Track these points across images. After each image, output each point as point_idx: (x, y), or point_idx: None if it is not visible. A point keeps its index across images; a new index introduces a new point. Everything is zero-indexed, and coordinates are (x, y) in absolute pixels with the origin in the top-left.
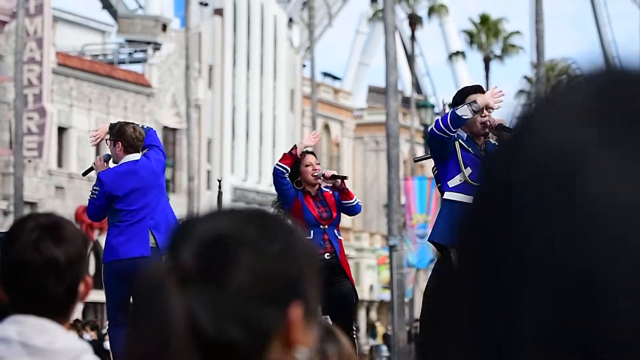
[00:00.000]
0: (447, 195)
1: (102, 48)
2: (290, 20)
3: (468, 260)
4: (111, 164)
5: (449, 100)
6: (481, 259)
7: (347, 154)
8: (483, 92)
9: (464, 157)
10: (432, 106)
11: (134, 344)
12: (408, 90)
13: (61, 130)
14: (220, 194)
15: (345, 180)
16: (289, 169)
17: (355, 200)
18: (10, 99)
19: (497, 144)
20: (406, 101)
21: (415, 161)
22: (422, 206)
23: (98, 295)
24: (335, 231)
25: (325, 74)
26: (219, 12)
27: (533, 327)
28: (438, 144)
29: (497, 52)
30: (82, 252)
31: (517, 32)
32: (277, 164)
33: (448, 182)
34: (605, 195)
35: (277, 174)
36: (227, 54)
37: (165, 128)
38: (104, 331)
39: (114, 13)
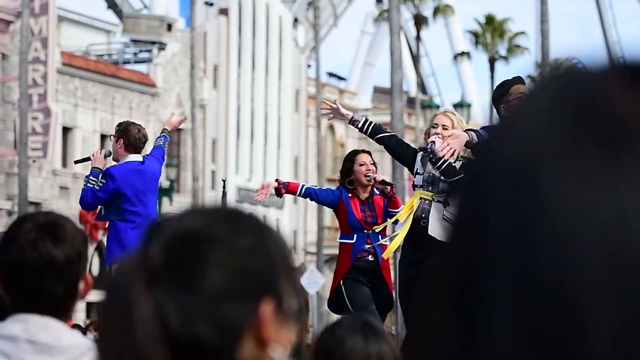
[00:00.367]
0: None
1: (107, 48)
2: (296, 20)
3: (445, 270)
4: (110, 161)
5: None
6: (456, 267)
7: None
8: (524, 83)
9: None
10: (437, 106)
11: (103, 341)
12: (413, 91)
13: (66, 130)
14: (224, 194)
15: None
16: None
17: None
18: (15, 99)
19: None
20: (411, 101)
21: None
22: None
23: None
24: (380, 236)
25: (331, 74)
26: (224, 12)
27: (506, 336)
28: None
29: (503, 52)
30: (82, 251)
31: (523, 33)
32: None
33: None
34: (561, 209)
35: (309, 198)
36: (232, 54)
37: None
38: None
39: (119, 13)
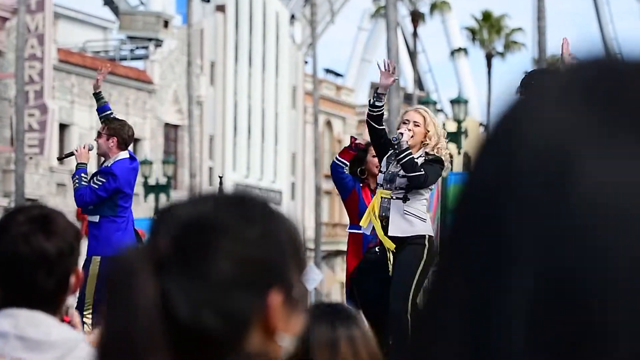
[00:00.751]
0: None
1: (104, 44)
2: (292, 16)
3: (453, 264)
4: (92, 154)
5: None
6: (468, 263)
7: None
8: None
9: None
10: (435, 102)
11: (104, 325)
12: (410, 87)
13: (62, 127)
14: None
15: None
16: (347, 163)
17: None
18: (12, 96)
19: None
20: (408, 98)
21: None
22: None
23: None
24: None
25: (328, 71)
26: (220, 8)
27: (522, 330)
28: None
29: (499, 48)
30: (74, 245)
31: (520, 29)
32: (336, 158)
33: None
34: (594, 196)
35: (336, 169)
36: (229, 50)
37: (166, 125)
38: None
39: (115, 9)
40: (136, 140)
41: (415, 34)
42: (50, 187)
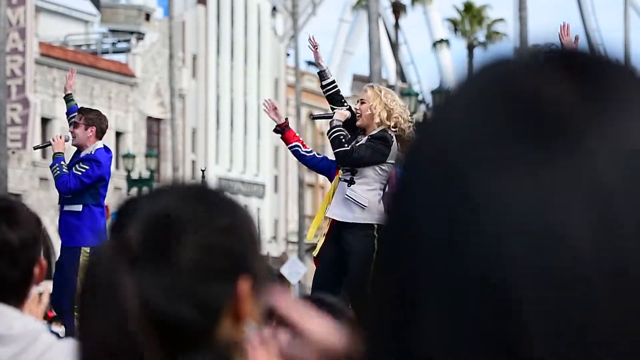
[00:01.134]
0: None
1: (85, 38)
2: (274, 9)
3: (382, 262)
4: (68, 145)
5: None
6: (389, 261)
7: None
8: None
9: None
10: (417, 94)
11: (89, 328)
12: (392, 79)
13: (45, 121)
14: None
15: None
16: (299, 144)
17: None
18: None
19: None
20: (390, 89)
21: (313, 119)
22: None
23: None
24: None
25: (310, 63)
26: (202, 1)
27: (437, 333)
28: None
29: (481, 39)
30: (37, 235)
31: (501, 20)
32: (289, 149)
33: None
34: (486, 207)
35: (300, 157)
36: (210, 43)
37: (149, 118)
38: None
39: (96, 2)
40: (119, 134)
41: (397, 26)
42: (33, 182)
